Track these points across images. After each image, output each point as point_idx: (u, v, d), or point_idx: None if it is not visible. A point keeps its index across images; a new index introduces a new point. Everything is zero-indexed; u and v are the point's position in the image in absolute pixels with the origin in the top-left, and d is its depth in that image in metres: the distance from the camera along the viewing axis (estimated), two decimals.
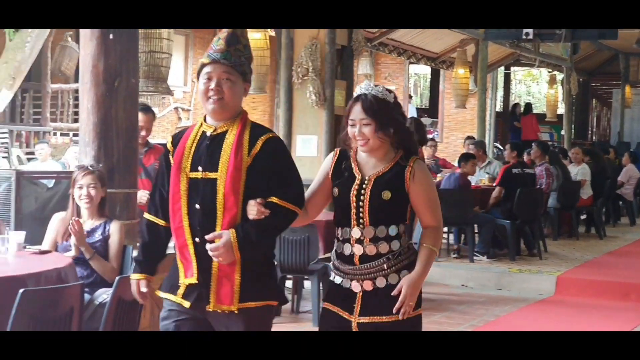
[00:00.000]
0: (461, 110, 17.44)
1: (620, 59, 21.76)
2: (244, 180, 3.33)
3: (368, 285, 3.48)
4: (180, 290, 3.38)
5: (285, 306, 7.44)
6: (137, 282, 3.51)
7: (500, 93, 23.22)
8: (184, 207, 3.36)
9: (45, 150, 12.23)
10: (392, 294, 3.42)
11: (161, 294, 3.45)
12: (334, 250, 3.59)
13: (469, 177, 10.70)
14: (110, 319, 4.20)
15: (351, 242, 3.49)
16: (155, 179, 3.58)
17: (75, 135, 14.42)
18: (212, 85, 3.39)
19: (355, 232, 3.48)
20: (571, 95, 19.07)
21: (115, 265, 5.01)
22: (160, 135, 15.73)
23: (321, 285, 7.04)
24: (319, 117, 9.27)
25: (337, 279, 3.55)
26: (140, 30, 4.96)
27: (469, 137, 14.38)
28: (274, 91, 16.57)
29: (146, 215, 3.56)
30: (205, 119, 3.47)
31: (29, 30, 12.00)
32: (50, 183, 6.50)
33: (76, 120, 15.25)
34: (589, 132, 26.34)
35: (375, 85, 3.52)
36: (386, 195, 3.46)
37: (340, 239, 3.52)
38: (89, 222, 5.06)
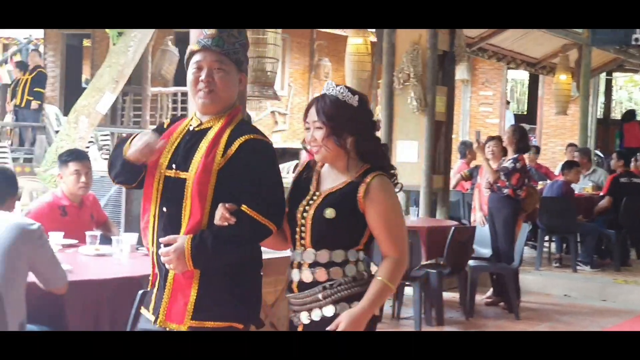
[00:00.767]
0: (561, 117, 17.11)
1: None
2: (214, 184, 2.96)
3: (305, 318, 3.06)
4: (151, 304, 3.10)
5: (386, 311, 7.42)
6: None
7: (601, 99, 22.70)
8: (153, 207, 3.05)
9: None
10: (326, 328, 2.96)
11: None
12: None
13: (572, 185, 10.50)
14: None
15: (293, 265, 3.08)
16: None
17: None
18: (203, 75, 3.03)
19: (296, 255, 3.07)
20: None
21: None
22: None
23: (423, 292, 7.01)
24: (420, 122, 9.20)
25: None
26: (248, 35, 4.99)
27: (571, 144, 14.10)
28: (370, 96, 16.55)
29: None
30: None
31: (132, 34, 12.29)
32: None
33: None
34: None
35: (337, 86, 3.07)
36: (329, 213, 2.99)
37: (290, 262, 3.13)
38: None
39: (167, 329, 3.00)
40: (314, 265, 3.02)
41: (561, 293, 9.35)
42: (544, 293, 9.27)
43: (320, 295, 3.01)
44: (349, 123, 3.02)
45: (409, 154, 9.30)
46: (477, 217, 8.60)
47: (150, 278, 3.13)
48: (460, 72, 16.74)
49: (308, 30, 17.95)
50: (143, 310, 3.16)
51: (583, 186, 11.48)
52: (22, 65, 15.93)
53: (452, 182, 10.38)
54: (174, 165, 3.02)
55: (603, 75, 21.41)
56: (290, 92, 18.08)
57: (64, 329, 3.85)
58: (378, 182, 3.00)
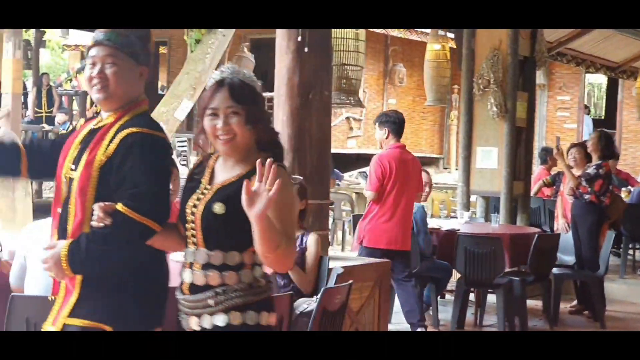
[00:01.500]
0: None
1: None
2: (95, 182, 2.84)
3: (194, 324, 2.79)
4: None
5: (468, 319, 7.36)
6: None
7: None
8: (54, 209, 2.97)
9: None
10: None
11: None
12: None
13: None
14: (315, 329, 4.25)
15: (185, 265, 2.83)
16: None
17: None
18: (95, 71, 2.94)
19: (188, 255, 2.81)
20: None
21: (312, 277, 5.08)
22: (332, 145, 15.90)
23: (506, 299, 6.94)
24: (500, 128, 9.10)
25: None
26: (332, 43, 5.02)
27: None
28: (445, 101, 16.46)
29: None
30: None
31: (210, 41, 12.43)
32: None
33: None
34: None
35: (239, 69, 2.84)
36: (218, 209, 2.71)
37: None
38: None
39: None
40: (206, 267, 2.76)
41: None
42: (629, 302, 9.08)
43: (211, 301, 2.75)
44: (259, 110, 2.81)
45: (488, 161, 9.21)
46: (560, 224, 8.48)
47: (52, 285, 3.01)
48: (537, 77, 16.56)
49: (382, 36, 17.93)
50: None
51: None
52: None
53: (534, 189, 10.25)
54: (72, 166, 2.93)
55: None
56: (365, 98, 18.09)
57: None
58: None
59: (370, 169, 6.96)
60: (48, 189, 15.39)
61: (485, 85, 9.12)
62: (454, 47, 11.20)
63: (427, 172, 7.93)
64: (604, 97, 24.13)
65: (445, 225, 7.93)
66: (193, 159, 14.18)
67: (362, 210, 10.05)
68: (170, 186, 2.96)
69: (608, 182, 8.00)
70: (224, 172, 2.82)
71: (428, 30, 12.81)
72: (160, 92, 17.07)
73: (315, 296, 4.79)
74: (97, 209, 2.75)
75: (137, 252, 2.84)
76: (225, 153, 2.81)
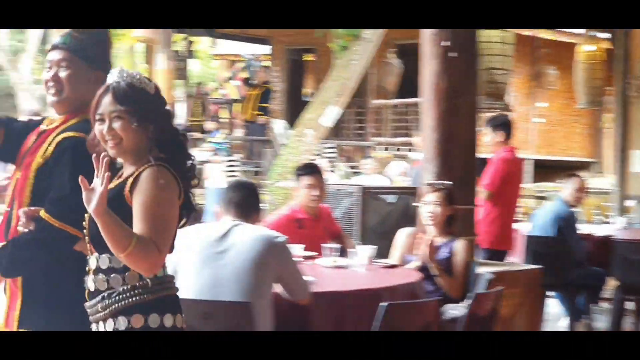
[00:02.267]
0: None
1: None
2: (31, 185, 2.86)
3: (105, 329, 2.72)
4: None
5: (626, 328, 7.10)
6: None
7: None
8: (6, 208, 3.00)
9: (371, 165, 12.61)
10: None
11: None
12: None
13: None
14: None
15: (88, 272, 2.76)
16: None
17: (398, 149, 14.77)
18: (50, 74, 2.98)
19: (88, 260, 2.75)
20: None
21: (460, 282, 5.01)
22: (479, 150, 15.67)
23: None
24: None
25: None
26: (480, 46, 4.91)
27: None
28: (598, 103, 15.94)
29: None
30: None
31: (355, 48, 12.48)
32: (390, 198, 6.67)
33: (395, 135, 15.64)
34: None
35: (130, 72, 2.74)
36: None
37: None
38: (436, 239, 5.09)
39: None
40: (96, 271, 2.70)
41: None
42: None
43: (99, 307, 2.69)
44: (151, 110, 2.72)
45: None
46: None
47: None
48: None
49: (530, 38, 17.55)
50: None
51: None
52: (248, 82, 16.60)
53: None
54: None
55: None
56: (513, 101, 17.73)
57: None
58: (150, 173, 2.62)
59: (490, 169, 6.88)
60: (196, 197, 15.84)
61: None
62: (610, 47, 10.84)
63: (580, 177, 7.69)
64: None
65: (599, 231, 7.66)
66: (342, 166, 14.30)
67: None
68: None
69: None
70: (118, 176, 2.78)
71: (579, 31, 12.44)
72: (306, 98, 17.27)
73: (463, 301, 4.72)
74: (22, 214, 2.79)
75: (63, 257, 2.85)
76: (115, 156, 2.72)
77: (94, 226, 2.58)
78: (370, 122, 16.06)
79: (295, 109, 15.95)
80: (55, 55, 3.01)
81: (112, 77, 2.72)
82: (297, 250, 4.92)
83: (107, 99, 2.69)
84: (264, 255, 3.79)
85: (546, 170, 15.45)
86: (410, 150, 14.12)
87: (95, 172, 2.53)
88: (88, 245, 2.74)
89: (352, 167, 14.72)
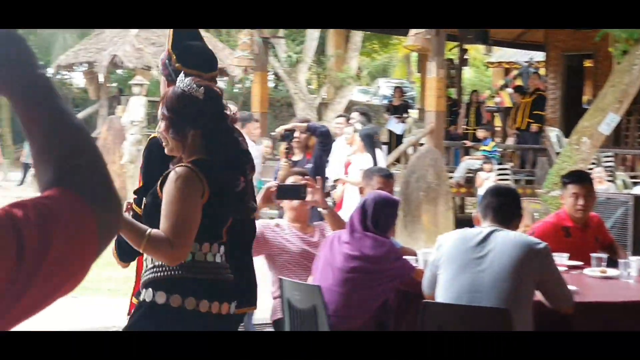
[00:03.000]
0: None
1: None
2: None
3: None
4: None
5: None
6: None
7: None
8: None
9: None
10: None
11: None
12: None
13: None
14: None
15: None
16: None
17: None
18: None
19: None
20: None
21: None
22: None
23: None
24: None
25: None
26: None
27: None
28: None
29: None
30: None
31: (638, 52, 11.87)
32: None
33: None
34: None
35: (187, 78, 2.99)
36: (145, 203, 3.10)
37: None
38: None
39: None
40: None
41: None
42: None
43: (143, 277, 3.09)
44: (192, 116, 2.96)
45: None
46: None
47: None
48: None
49: None
50: None
51: None
52: (521, 89, 16.30)
53: None
54: None
55: None
56: None
57: None
58: (173, 173, 2.92)
59: None
60: (470, 205, 15.76)
61: None
62: None
63: None
64: None
65: None
66: (620, 175, 13.65)
67: None
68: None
69: None
70: None
71: None
72: (585, 106, 16.67)
73: None
74: (126, 204, 3.19)
75: None
76: (168, 154, 3.07)
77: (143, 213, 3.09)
78: None
79: (570, 116, 15.46)
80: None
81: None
82: (562, 258, 4.76)
83: (162, 103, 3.04)
84: (524, 261, 3.71)
85: None
86: None
87: None
88: None
89: (633, 177, 14.02)
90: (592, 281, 4.58)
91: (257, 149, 9.47)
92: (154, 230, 2.86)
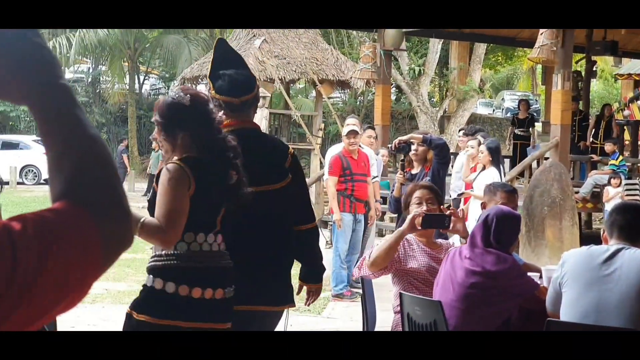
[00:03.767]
0: None
1: None
2: None
3: None
4: None
5: None
6: None
7: None
8: None
9: None
10: None
11: None
12: None
13: None
14: None
15: None
16: None
17: None
18: None
19: None
20: None
21: None
22: None
23: None
24: None
25: None
26: None
27: None
28: None
29: None
30: None
31: None
32: None
33: None
34: None
35: (177, 87, 3.43)
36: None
37: None
38: None
39: None
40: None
41: None
42: None
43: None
44: (180, 121, 3.34)
45: None
46: None
47: None
48: None
49: None
50: None
51: None
52: None
53: None
54: None
55: None
56: None
57: None
58: (165, 169, 3.31)
59: None
60: (597, 221, 15.30)
61: None
62: None
63: None
64: None
65: None
66: None
67: None
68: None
69: None
70: None
71: None
72: None
73: None
74: None
75: None
76: (165, 156, 3.58)
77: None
78: None
79: None
80: None
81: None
82: None
83: (154, 110, 3.44)
84: None
85: None
86: None
87: None
88: None
89: None
90: None
91: (376, 157, 9.74)
92: (148, 218, 3.27)
